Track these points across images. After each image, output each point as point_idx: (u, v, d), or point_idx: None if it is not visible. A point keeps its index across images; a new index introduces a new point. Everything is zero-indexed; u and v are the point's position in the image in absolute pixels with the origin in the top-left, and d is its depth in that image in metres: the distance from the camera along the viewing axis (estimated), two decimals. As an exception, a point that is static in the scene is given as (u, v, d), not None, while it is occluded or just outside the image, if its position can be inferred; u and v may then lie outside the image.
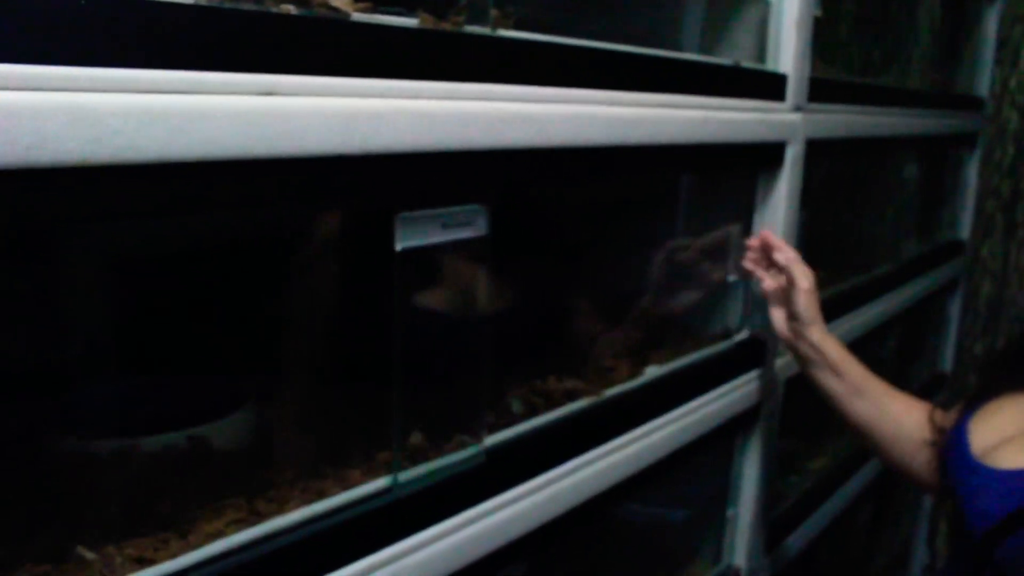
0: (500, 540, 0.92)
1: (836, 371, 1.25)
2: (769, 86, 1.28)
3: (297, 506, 0.80)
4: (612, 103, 0.93)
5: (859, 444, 1.40)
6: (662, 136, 1.03)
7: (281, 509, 0.80)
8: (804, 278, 1.23)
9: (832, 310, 1.68)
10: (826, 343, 1.25)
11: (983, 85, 2.49)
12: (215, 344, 0.97)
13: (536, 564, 1.10)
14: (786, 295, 1.26)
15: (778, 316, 1.29)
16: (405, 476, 0.84)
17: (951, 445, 1.07)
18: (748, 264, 1.31)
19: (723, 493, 1.50)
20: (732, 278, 1.10)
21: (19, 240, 0.73)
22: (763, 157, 1.31)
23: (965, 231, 2.55)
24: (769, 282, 1.29)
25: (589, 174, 0.94)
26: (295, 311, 1.01)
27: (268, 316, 1.05)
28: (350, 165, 0.68)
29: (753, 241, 1.30)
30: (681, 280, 1.30)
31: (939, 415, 1.20)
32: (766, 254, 1.29)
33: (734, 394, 1.36)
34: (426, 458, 0.89)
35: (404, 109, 0.71)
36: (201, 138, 0.59)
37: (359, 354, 0.99)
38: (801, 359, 1.30)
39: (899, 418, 1.23)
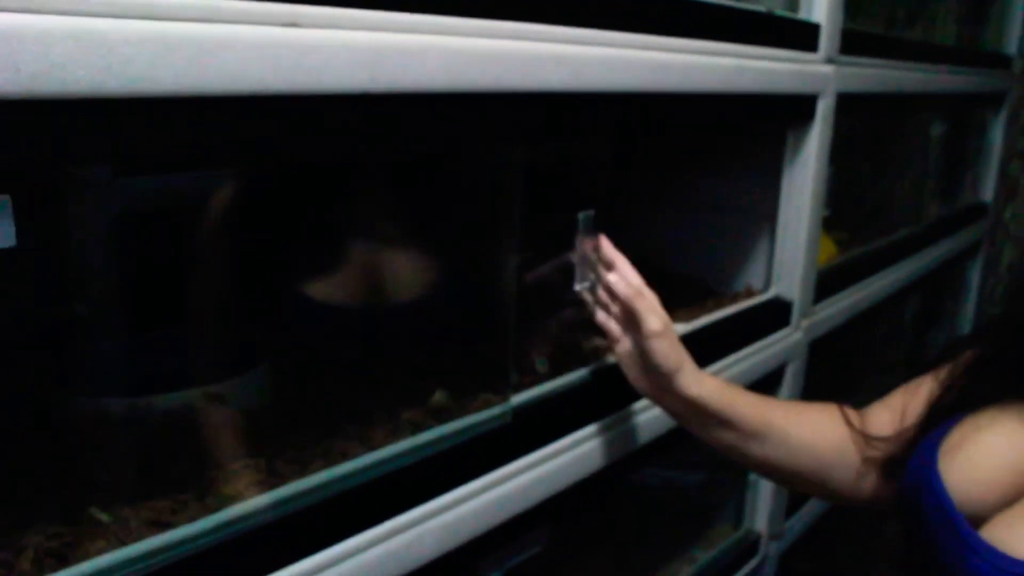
0: (524, 503, 0.88)
1: (722, 421, 0.93)
2: (802, 36, 1.23)
3: (320, 467, 0.77)
4: (646, 47, 0.89)
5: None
6: (695, 84, 0.98)
7: (303, 471, 0.77)
8: (652, 318, 0.88)
9: (852, 274, 1.65)
10: (702, 390, 0.91)
11: (1012, 43, 2.42)
12: (231, 298, 0.93)
13: (557, 528, 1.06)
14: (633, 342, 0.92)
15: (631, 371, 0.93)
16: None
17: (917, 487, 0.80)
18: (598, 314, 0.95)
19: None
20: (579, 287, 0.89)
21: (22, 182, 0.69)
22: (794, 111, 1.26)
23: (988, 194, 2.50)
24: (612, 329, 0.93)
25: (621, 121, 0.89)
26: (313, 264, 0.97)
27: (286, 269, 1.02)
28: (375, 105, 0.64)
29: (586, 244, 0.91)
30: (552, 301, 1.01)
31: (852, 415, 0.96)
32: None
33: (759, 355, 1.32)
34: (450, 417, 0.85)
35: (434, 46, 0.67)
36: (218, 70, 0.55)
37: (384, 310, 0.95)
38: (676, 417, 0.97)
39: (816, 443, 0.94)
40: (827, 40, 1.28)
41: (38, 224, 0.86)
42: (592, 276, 0.91)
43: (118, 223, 0.86)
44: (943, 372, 0.90)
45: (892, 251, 1.89)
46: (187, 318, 0.92)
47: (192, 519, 0.69)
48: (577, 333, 1.00)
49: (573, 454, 0.93)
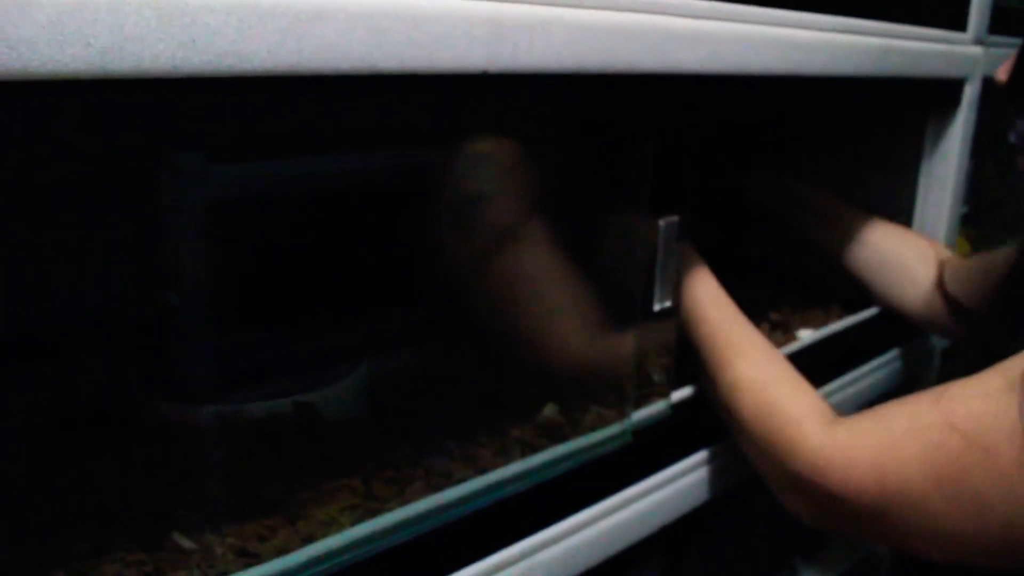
0: (641, 531, 0.80)
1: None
2: (950, 13, 1.11)
3: (420, 490, 0.69)
4: (790, 24, 0.79)
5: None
6: (842, 67, 0.87)
7: (401, 492, 0.70)
8: None
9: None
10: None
11: None
12: (326, 299, 0.86)
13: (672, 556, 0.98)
14: None
15: None
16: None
17: None
18: None
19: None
20: (659, 306, 0.79)
21: (103, 170, 0.63)
22: (938, 97, 1.14)
23: None
24: None
25: (762, 106, 0.79)
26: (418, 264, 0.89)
27: (389, 268, 0.94)
28: (494, 84, 0.56)
29: None
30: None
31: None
32: None
33: (890, 366, 1.21)
34: (562, 434, 0.77)
35: (559, 20, 0.58)
36: (317, 45, 0.47)
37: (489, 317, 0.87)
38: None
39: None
40: (977, 18, 1.15)
41: (126, 214, 0.81)
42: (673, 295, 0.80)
43: (212, 213, 0.80)
44: None
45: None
46: (281, 318, 0.85)
47: (282, 547, 0.62)
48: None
49: (695, 476, 0.84)
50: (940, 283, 1.08)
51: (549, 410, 0.80)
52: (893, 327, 1.21)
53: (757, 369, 0.79)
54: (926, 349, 1.31)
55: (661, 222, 0.73)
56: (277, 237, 0.91)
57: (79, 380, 0.77)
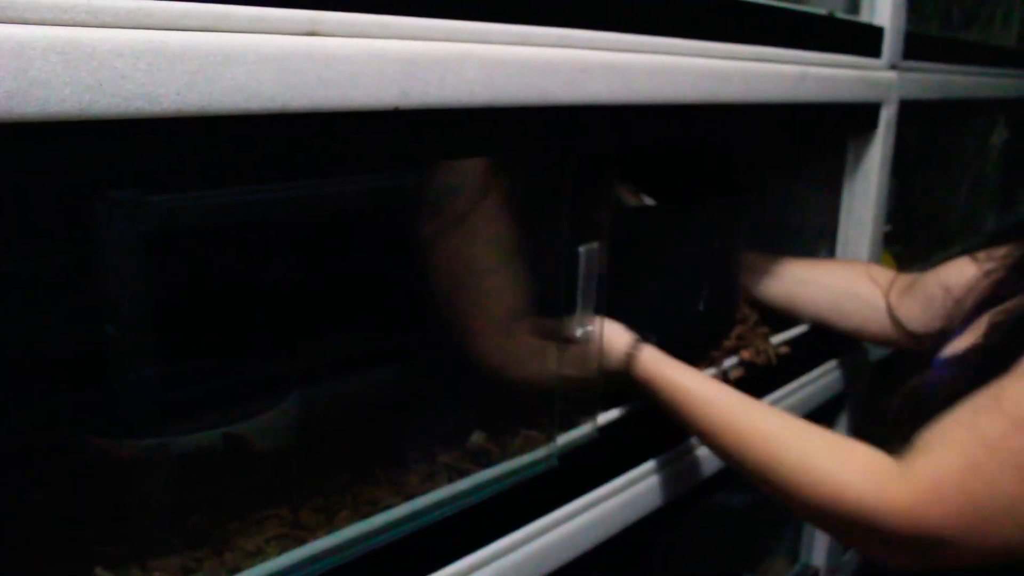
0: (570, 553, 0.81)
1: None
2: (865, 40, 1.15)
3: (347, 517, 0.70)
4: (704, 54, 0.81)
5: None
6: (757, 93, 0.90)
7: (330, 521, 0.70)
8: None
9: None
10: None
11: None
12: (255, 329, 0.87)
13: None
14: None
15: None
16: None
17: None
18: None
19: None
20: (580, 332, 0.80)
21: (20, 209, 0.63)
22: (856, 120, 1.18)
23: (1050, 203, 2.39)
24: None
25: (676, 134, 0.81)
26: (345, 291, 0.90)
27: (316, 296, 0.95)
28: (406, 121, 0.57)
29: None
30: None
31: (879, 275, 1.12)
32: None
33: (820, 380, 1.24)
34: (490, 460, 0.78)
35: (472, 56, 0.59)
36: (227, 86, 0.48)
37: (422, 343, 0.88)
38: None
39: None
40: (891, 44, 1.19)
41: (60, 245, 0.81)
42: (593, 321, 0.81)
43: (141, 245, 0.80)
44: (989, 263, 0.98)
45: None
46: (208, 349, 0.85)
47: (210, 578, 0.62)
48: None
49: (624, 497, 0.85)
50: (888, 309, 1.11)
51: (476, 436, 0.81)
52: (825, 341, 1.24)
53: (788, 443, 0.76)
54: (859, 360, 1.34)
55: (581, 249, 0.74)
56: (210, 267, 0.91)
57: (7, 413, 0.77)
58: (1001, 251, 0.99)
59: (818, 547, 1.41)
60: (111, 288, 0.80)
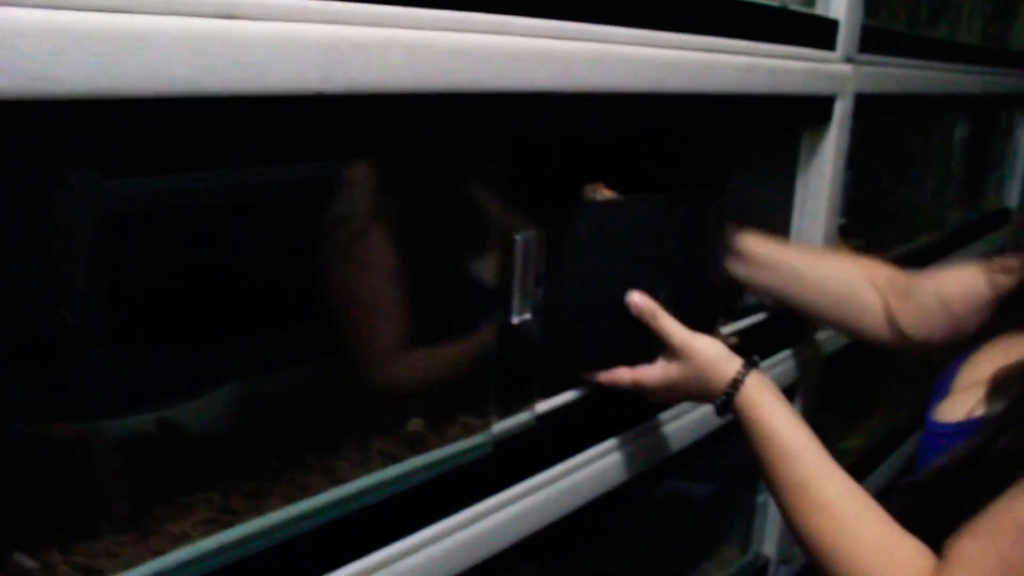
0: (505, 540, 0.81)
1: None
2: (819, 33, 1.15)
3: (277, 503, 0.70)
4: (648, 44, 0.81)
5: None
6: (704, 84, 0.90)
7: (260, 507, 0.70)
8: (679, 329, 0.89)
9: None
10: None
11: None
12: (191, 314, 0.86)
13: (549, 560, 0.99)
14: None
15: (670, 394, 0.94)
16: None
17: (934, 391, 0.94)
18: None
19: (751, 472, 1.38)
20: (517, 319, 0.80)
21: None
22: (810, 112, 1.19)
23: (1013, 199, 2.41)
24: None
25: (618, 123, 0.81)
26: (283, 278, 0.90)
27: (262, 283, 0.94)
28: (329, 106, 0.57)
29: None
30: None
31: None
32: None
33: (774, 369, 1.24)
34: (426, 447, 0.78)
35: (397, 41, 0.59)
36: (138, 69, 0.48)
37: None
38: None
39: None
40: (846, 38, 1.20)
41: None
42: (531, 308, 0.81)
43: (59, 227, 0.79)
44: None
45: (912, 259, 1.80)
46: (151, 335, 0.85)
47: (130, 564, 0.62)
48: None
49: (562, 485, 0.85)
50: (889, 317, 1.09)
51: (413, 423, 0.81)
52: (778, 331, 1.25)
53: (844, 524, 0.77)
54: (812, 350, 1.35)
55: (518, 237, 0.74)
56: (163, 253, 0.90)
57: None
58: (1013, 262, 0.99)
59: (769, 537, 1.42)
60: (65, 273, 0.80)
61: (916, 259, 1.78)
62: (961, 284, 1.04)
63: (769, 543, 1.42)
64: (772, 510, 1.39)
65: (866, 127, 1.41)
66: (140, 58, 0.48)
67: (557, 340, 0.86)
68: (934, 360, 1.05)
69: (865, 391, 1.96)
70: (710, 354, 0.86)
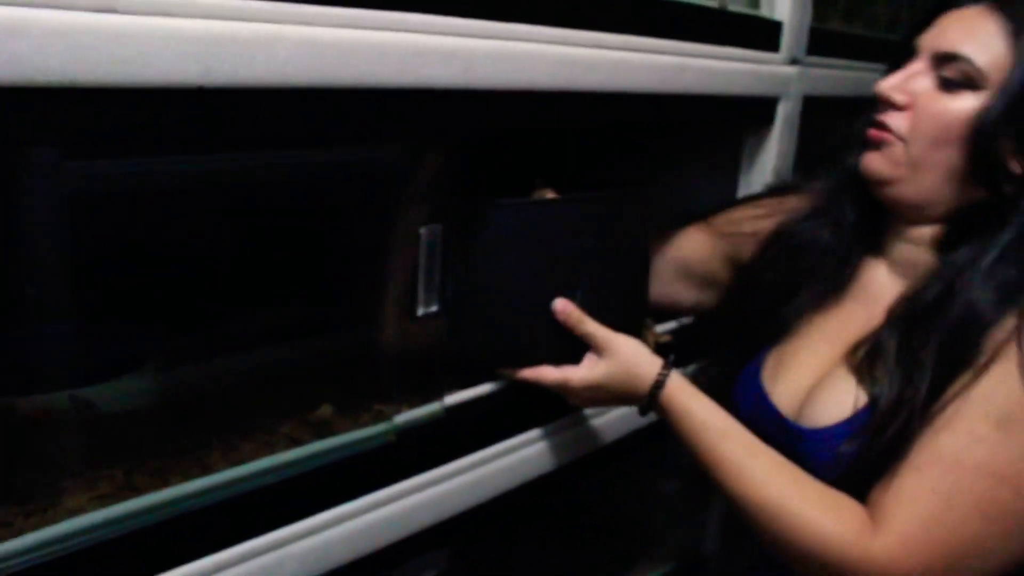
0: (406, 529, 0.83)
1: None
2: (761, 35, 1.16)
3: (179, 481, 0.72)
4: (562, 42, 0.83)
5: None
6: (626, 83, 0.92)
7: (163, 484, 0.72)
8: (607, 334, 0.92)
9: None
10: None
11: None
12: (115, 297, 0.88)
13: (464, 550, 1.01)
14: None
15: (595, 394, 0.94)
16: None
17: (753, 403, 0.98)
18: None
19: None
20: (423, 311, 0.83)
21: None
22: (751, 113, 1.20)
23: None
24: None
25: (529, 121, 0.83)
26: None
27: (199, 268, 0.96)
28: (210, 100, 0.58)
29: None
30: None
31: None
32: None
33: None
34: (331, 433, 0.80)
35: (285, 37, 0.61)
36: (8, 59, 0.49)
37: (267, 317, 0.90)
38: None
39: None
40: (790, 39, 1.21)
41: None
42: (438, 300, 0.83)
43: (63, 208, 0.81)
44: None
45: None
46: (68, 314, 0.86)
47: (16, 534, 0.64)
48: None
49: (471, 476, 0.87)
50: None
51: (324, 409, 0.83)
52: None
53: (786, 490, 0.82)
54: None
55: (422, 230, 0.76)
56: (119, 234, 0.92)
57: None
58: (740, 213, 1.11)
59: (710, 534, 1.43)
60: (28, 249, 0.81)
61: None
62: (693, 246, 1.13)
63: (709, 542, 1.43)
64: (716, 510, 1.41)
65: (816, 128, 1.42)
66: (11, 48, 0.49)
67: (468, 336, 0.87)
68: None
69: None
70: (633, 355, 0.89)
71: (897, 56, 0.94)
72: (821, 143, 1.44)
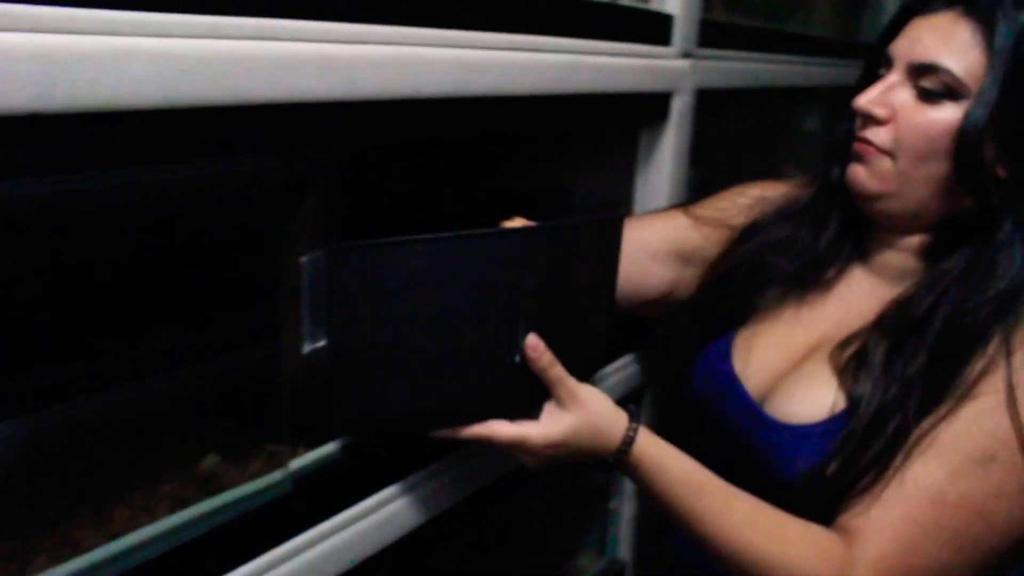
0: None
1: None
2: (653, 29, 1.12)
3: (45, 563, 0.63)
4: (448, 44, 0.76)
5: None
6: (519, 85, 0.86)
7: (23, 570, 0.63)
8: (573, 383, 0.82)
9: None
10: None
11: (886, 33, 2.36)
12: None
13: None
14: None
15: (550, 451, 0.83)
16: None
17: (720, 385, 0.96)
18: None
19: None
20: (309, 347, 0.73)
21: None
22: (645, 110, 1.16)
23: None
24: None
25: (421, 130, 0.76)
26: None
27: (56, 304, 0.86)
28: (47, 124, 0.50)
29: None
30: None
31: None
32: None
33: (617, 375, 1.22)
34: (222, 487, 0.72)
35: (138, 51, 0.53)
36: None
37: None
38: None
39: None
40: (682, 33, 1.17)
41: None
42: (326, 336, 0.73)
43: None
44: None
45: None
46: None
47: None
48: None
49: (374, 519, 0.80)
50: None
51: (210, 459, 0.75)
52: (622, 335, 1.22)
53: (761, 534, 0.81)
54: (658, 354, 1.33)
55: (303, 259, 0.68)
56: None
57: None
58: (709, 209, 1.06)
59: (624, 541, 1.40)
60: None
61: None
62: (663, 230, 1.07)
63: (624, 547, 1.39)
64: (626, 515, 1.37)
65: (719, 120, 1.40)
66: None
67: (373, 398, 0.75)
68: (671, 315, 1.09)
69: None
70: (600, 408, 0.81)
71: (868, 65, 0.94)
72: (716, 137, 1.43)
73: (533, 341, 0.77)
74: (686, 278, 1.06)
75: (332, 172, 0.71)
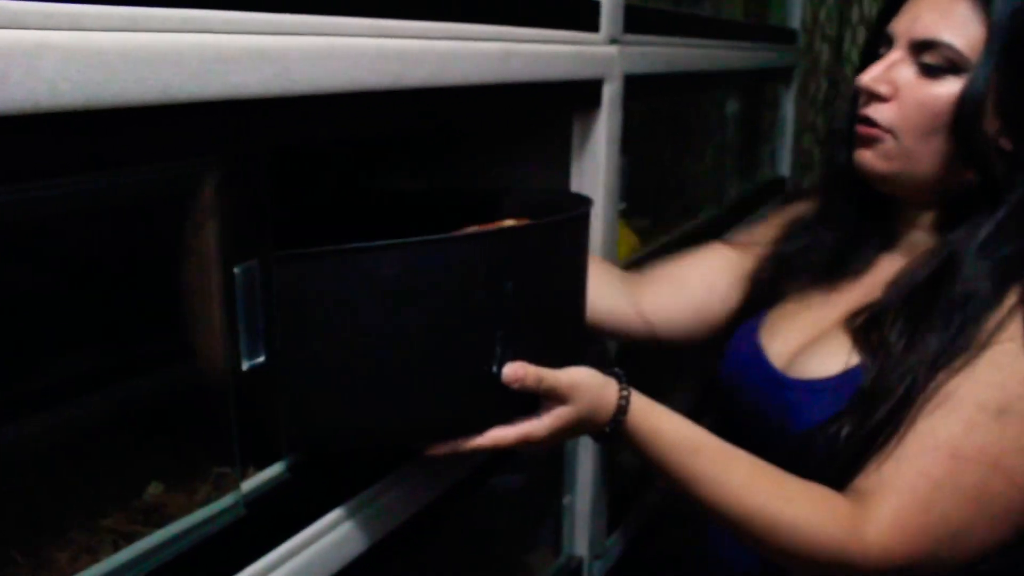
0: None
1: None
2: (580, 15, 1.10)
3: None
4: (381, 34, 0.72)
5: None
6: (453, 76, 0.82)
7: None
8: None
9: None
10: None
11: (796, 18, 2.40)
12: None
13: None
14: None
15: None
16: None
17: (746, 357, 1.00)
18: None
19: (554, 469, 1.33)
20: (248, 364, 0.67)
21: None
22: (578, 97, 1.13)
23: (786, 168, 2.48)
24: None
25: (359, 126, 0.72)
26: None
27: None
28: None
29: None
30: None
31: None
32: None
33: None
34: (168, 517, 0.67)
35: (49, 45, 0.48)
36: None
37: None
38: None
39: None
40: (609, 19, 1.15)
41: None
42: (265, 352, 0.68)
43: None
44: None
45: (696, 234, 1.80)
46: None
47: None
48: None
49: (331, 538, 0.76)
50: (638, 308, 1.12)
51: (153, 488, 0.70)
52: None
53: (762, 492, 0.80)
54: (601, 351, 1.31)
55: (236, 269, 0.63)
56: None
57: None
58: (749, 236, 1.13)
59: (580, 537, 1.38)
60: None
61: (701, 234, 1.78)
62: (697, 262, 1.16)
63: (580, 543, 1.37)
64: (580, 510, 1.35)
65: (641, 107, 1.38)
66: None
67: (317, 413, 0.72)
68: (687, 347, 1.16)
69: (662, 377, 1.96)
70: (595, 386, 0.79)
71: (868, 45, 0.95)
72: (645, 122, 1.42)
73: (511, 374, 0.72)
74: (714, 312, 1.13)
75: (256, 175, 0.66)
